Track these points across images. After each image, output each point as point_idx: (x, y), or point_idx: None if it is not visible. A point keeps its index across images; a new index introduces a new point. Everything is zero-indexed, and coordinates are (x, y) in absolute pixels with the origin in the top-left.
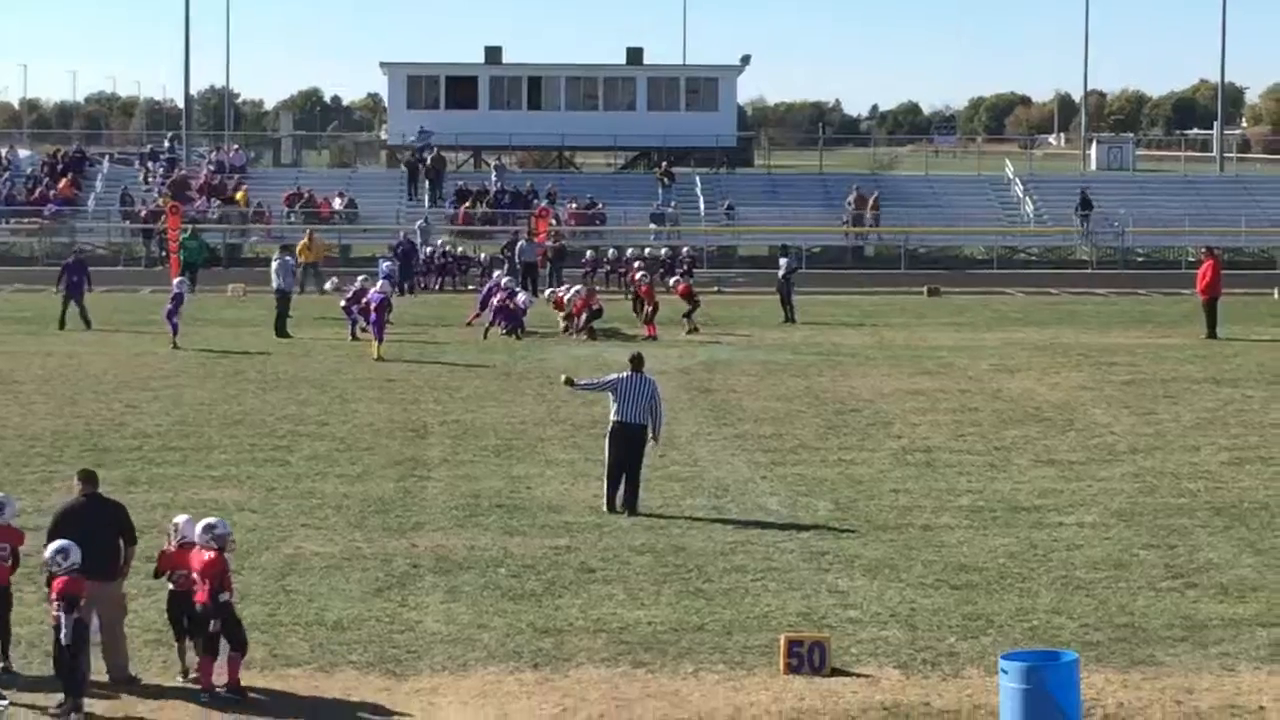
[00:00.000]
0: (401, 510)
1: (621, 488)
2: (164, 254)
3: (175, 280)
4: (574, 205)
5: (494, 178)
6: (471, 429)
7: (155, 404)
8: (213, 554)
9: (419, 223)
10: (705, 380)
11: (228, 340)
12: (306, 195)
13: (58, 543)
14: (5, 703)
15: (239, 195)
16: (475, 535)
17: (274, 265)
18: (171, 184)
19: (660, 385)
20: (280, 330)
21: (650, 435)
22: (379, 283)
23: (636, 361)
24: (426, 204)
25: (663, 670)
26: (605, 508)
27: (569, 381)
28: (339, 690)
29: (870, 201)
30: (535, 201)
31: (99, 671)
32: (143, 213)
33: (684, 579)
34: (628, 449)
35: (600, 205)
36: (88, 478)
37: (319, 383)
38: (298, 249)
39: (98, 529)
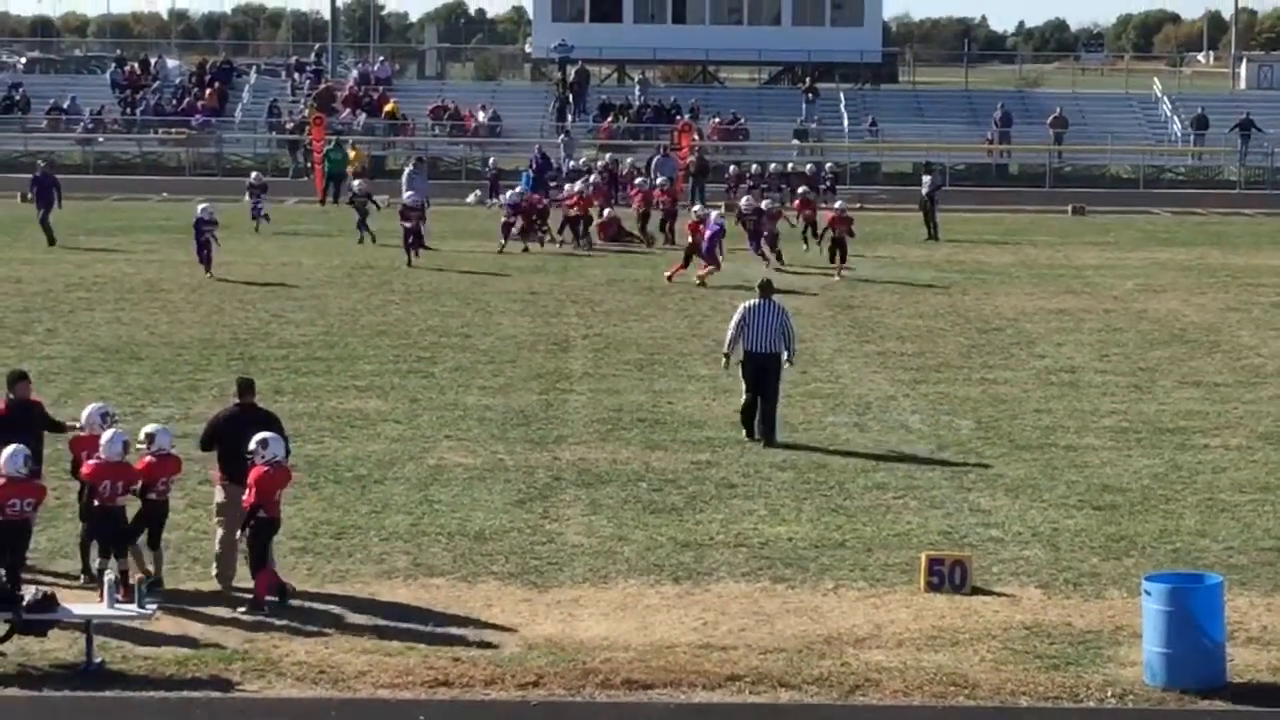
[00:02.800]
0: (543, 423)
1: (758, 418)
2: (309, 165)
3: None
4: (717, 121)
5: (637, 92)
6: (614, 343)
7: (300, 314)
8: (264, 468)
9: (561, 137)
10: (847, 297)
11: (371, 251)
12: (451, 108)
13: (261, 434)
14: (153, 608)
15: (388, 107)
16: (617, 449)
17: (404, 176)
18: (317, 95)
19: (790, 311)
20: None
21: (786, 361)
22: (711, 214)
23: (765, 288)
24: (569, 118)
25: (803, 586)
26: (745, 437)
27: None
28: (481, 600)
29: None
30: (678, 117)
31: (244, 578)
32: (288, 124)
33: (825, 495)
34: (762, 379)
35: (743, 121)
36: (246, 387)
37: (462, 295)
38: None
39: (251, 437)
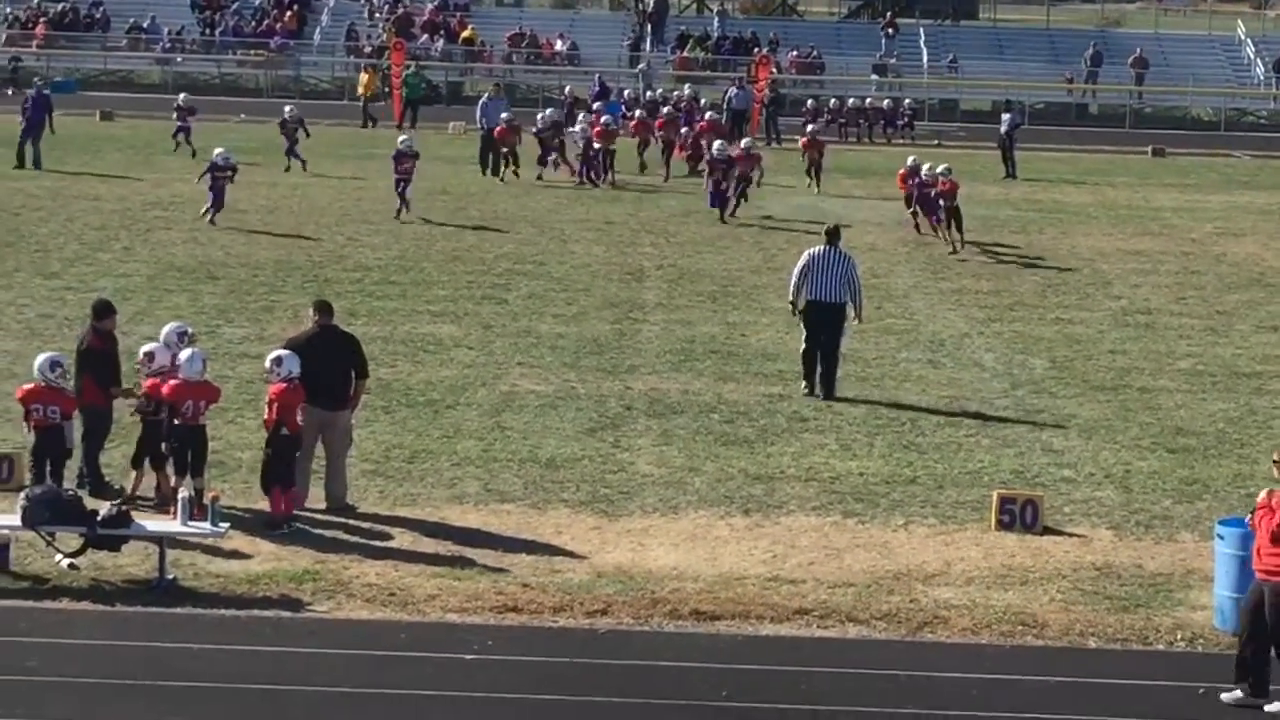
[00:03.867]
0: (616, 352)
1: (818, 370)
2: (387, 90)
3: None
4: (795, 54)
5: (716, 24)
6: (688, 274)
7: (376, 238)
8: (282, 385)
9: (641, 66)
10: (923, 234)
11: (446, 177)
12: (529, 35)
13: (275, 352)
14: (226, 526)
15: (466, 33)
16: (689, 380)
17: (480, 103)
18: (396, 20)
19: (858, 260)
20: (484, 167)
21: (852, 314)
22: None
23: (832, 235)
24: (648, 48)
25: (873, 521)
26: (804, 391)
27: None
28: (551, 527)
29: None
30: (756, 50)
31: (316, 499)
32: (367, 48)
33: (897, 431)
34: (823, 329)
35: (821, 55)
36: (323, 308)
37: (537, 222)
38: (361, 84)
39: (329, 359)
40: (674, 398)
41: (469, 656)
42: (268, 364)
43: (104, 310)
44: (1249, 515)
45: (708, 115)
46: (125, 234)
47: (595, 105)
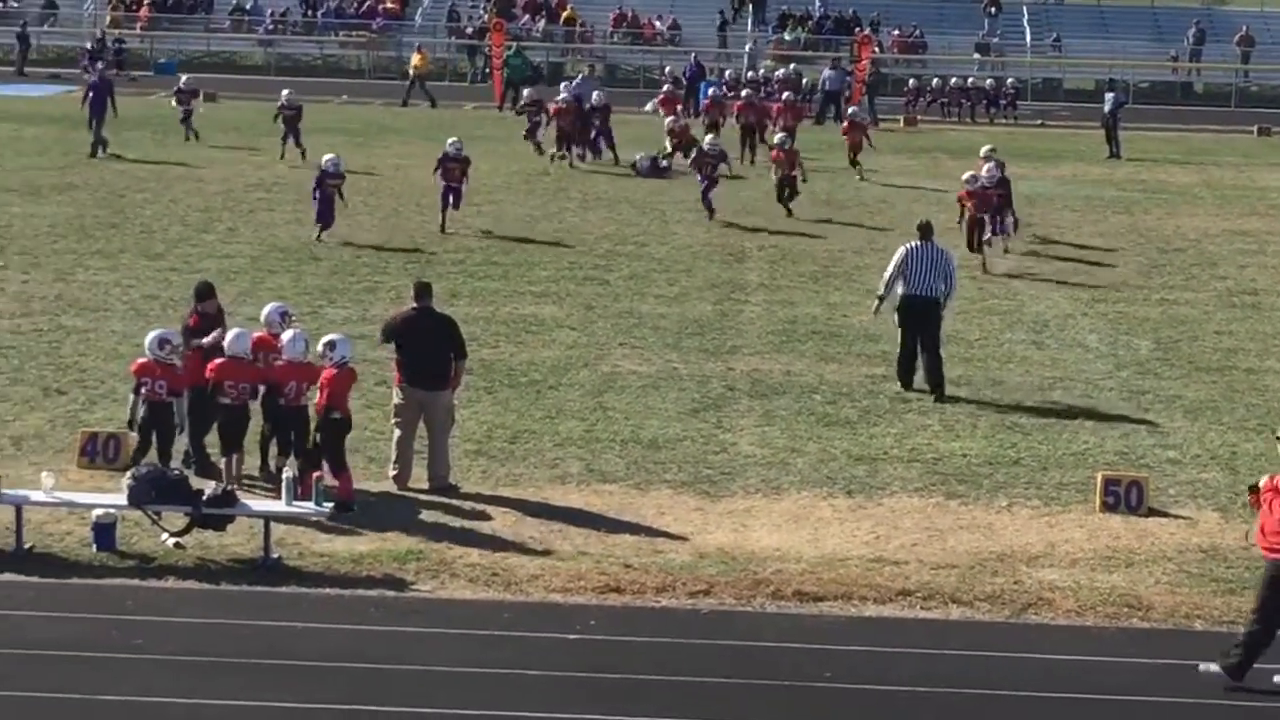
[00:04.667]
0: (718, 333)
1: (918, 369)
2: (488, 70)
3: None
4: (897, 33)
5: (817, 3)
6: (789, 254)
7: (478, 219)
8: (333, 369)
9: (747, 46)
10: (1026, 214)
11: (547, 159)
12: (630, 15)
13: (329, 336)
14: (329, 505)
15: (567, 14)
16: (791, 360)
17: (574, 82)
18: (498, 1)
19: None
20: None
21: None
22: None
23: (926, 230)
24: (749, 27)
25: (976, 502)
26: (899, 387)
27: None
28: (653, 507)
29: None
30: (857, 29)
31: (419, 479)
32: (468, 29)
33: (1000, 412)
34: (921, 325)
35: (923, 34)
36: (423, 289)
37: (639, 203)
38: (413, 62)
39: (429, 340)
40: (776, 378)
41: (572, 636)
42: (320, 347)
43: (205, 292)
44: (1250, 494)
45: (784, 96)
46: (228, 215)
47: (665, 88)
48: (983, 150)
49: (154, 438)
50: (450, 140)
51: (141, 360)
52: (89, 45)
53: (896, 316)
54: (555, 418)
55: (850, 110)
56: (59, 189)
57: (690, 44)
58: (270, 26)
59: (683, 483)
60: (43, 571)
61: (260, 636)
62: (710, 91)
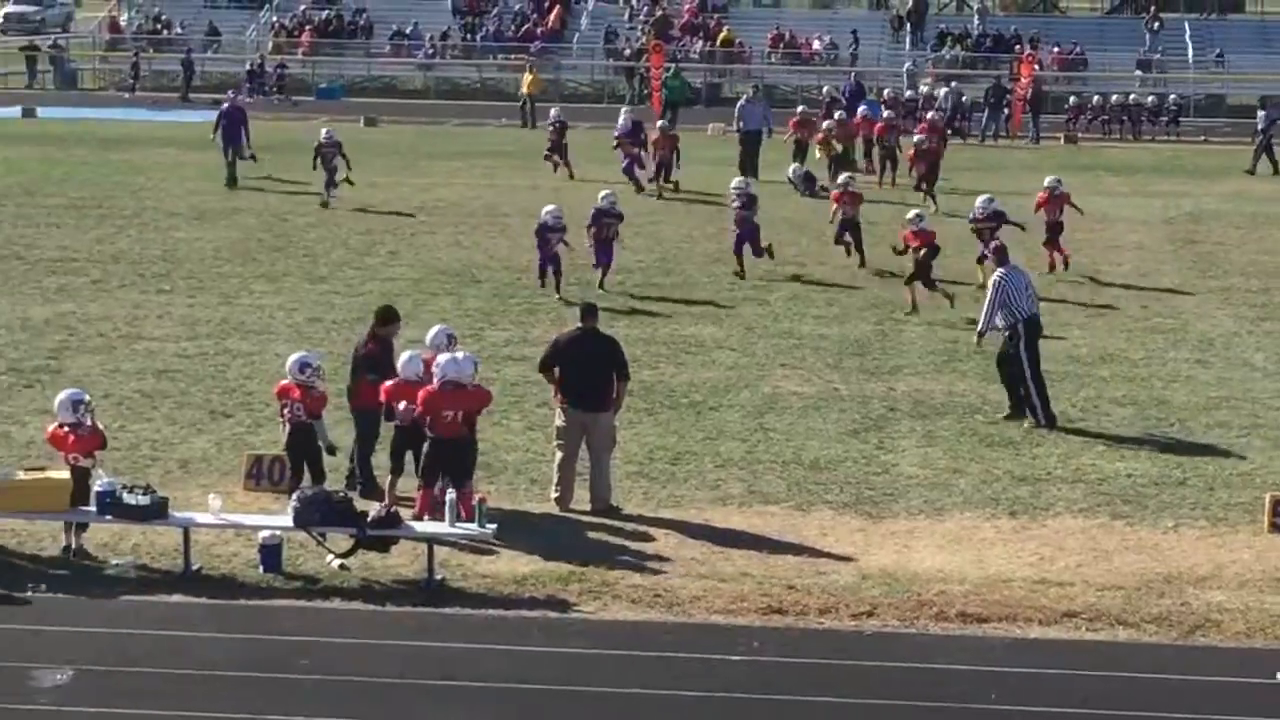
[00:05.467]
0: (879, 353)
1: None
2: (646, 92)
3: None
4: (1057, 51)
5: (976, 21)
6: (950, 274)
7: (637, 239)
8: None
9: (906, 65)
10: (1190, 231)
11: (706, 179)
12: (788, 35)
13: (405, 354)
14: (493, 528)
15: (724, 35)
16: (953, 381)
17: (739, 105)
18: (655, 22)
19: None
20: (744, 168)
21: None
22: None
23: (1003, 252)
24: (907, 46)
25: (1142, 523)
26: (1038, 423)
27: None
28: (815, 528)
29: None
30: (1017, 47)
31: (581, 501)
32: (626, 51)
33: (1165, 432)
34: (1038, 343)
35: (1084, 51)
36: (589, 311)
37: (798, 224)
38: (525, 84)
39: (592, 362)
40: (938, 399)
41: (735, 658)
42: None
43: (388, 317)
44: None
45: (928, 116)
46: (390, 238)
47: (799, 109)
48: (1047, 180)
49: (303, 460)
50: (603, 194)
51: (282, 383)
52: (248, 69)
53: (1022, 343)
54: (716, 439)
55: (916, 138)
56: (224, 214)
57: (848, 64)
58: (430, 51)
59: (845, 504)
60: (210, 592)
61: (424, 658)
62: (861, 110)
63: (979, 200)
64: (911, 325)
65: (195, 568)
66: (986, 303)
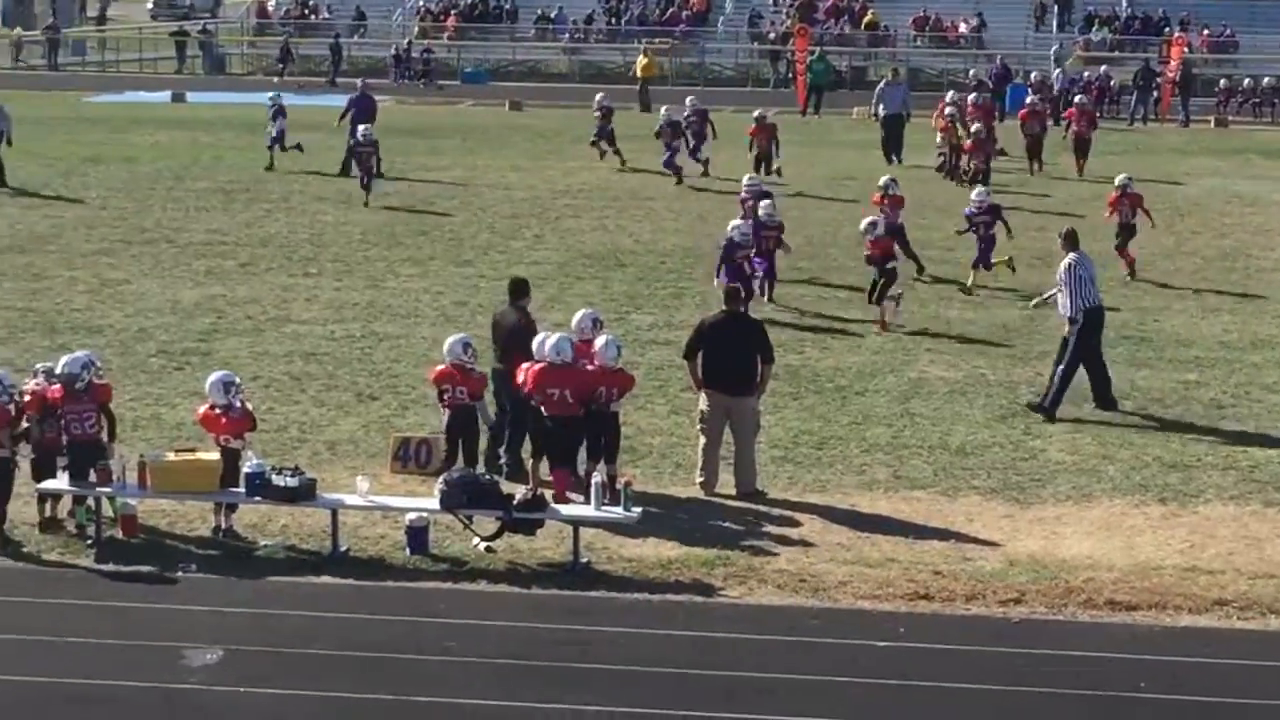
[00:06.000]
0: (1026, 338)
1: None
2: (790, 76)
3: None
4: (1206, 32)
5: (1124, 3)
6: (1098, 258)
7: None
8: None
9: (1054, 48)
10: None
11: (851, 162)
12: (933, 18)
13: (554, 337)
14: (639, 511)
15: (868, 18)
16: None
17: (878, 89)
18: (800, 6)
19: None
20: (886, 153)
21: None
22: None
23: (1073, 238)
24: (1054, 29)
25: None
26: (1046, 405)
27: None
28: (962, 514)
29: None
30: (1165, 29)
31: (726, 485)
32: (771, 35)
33: None
34: (1097, 334)
35: (1234, 33)
36: (733, 295)
37: (944, 208)
38: (639, 67)
39: (736, 345)
40: (1085, 385)
41: (881, 644)
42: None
43: (526, 287)
44: None
45: (1076, 100)
46: (535, 222)
47: (971, 95)
48: (1118, 178)
49: (460, 442)
50: (735, 224)
51: (439, 368)
52: (394, 54)
53: (1074, 337)
54: (862, 424)
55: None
56: (370, 197)
57: (995, 45)
58: (575, 34)
59: (991, 489)
60: (358, 574)
61: (570, 640)
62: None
63: (975, 193)
64: (1057, 311)
65: (343, 549)
66: (1065, 286)
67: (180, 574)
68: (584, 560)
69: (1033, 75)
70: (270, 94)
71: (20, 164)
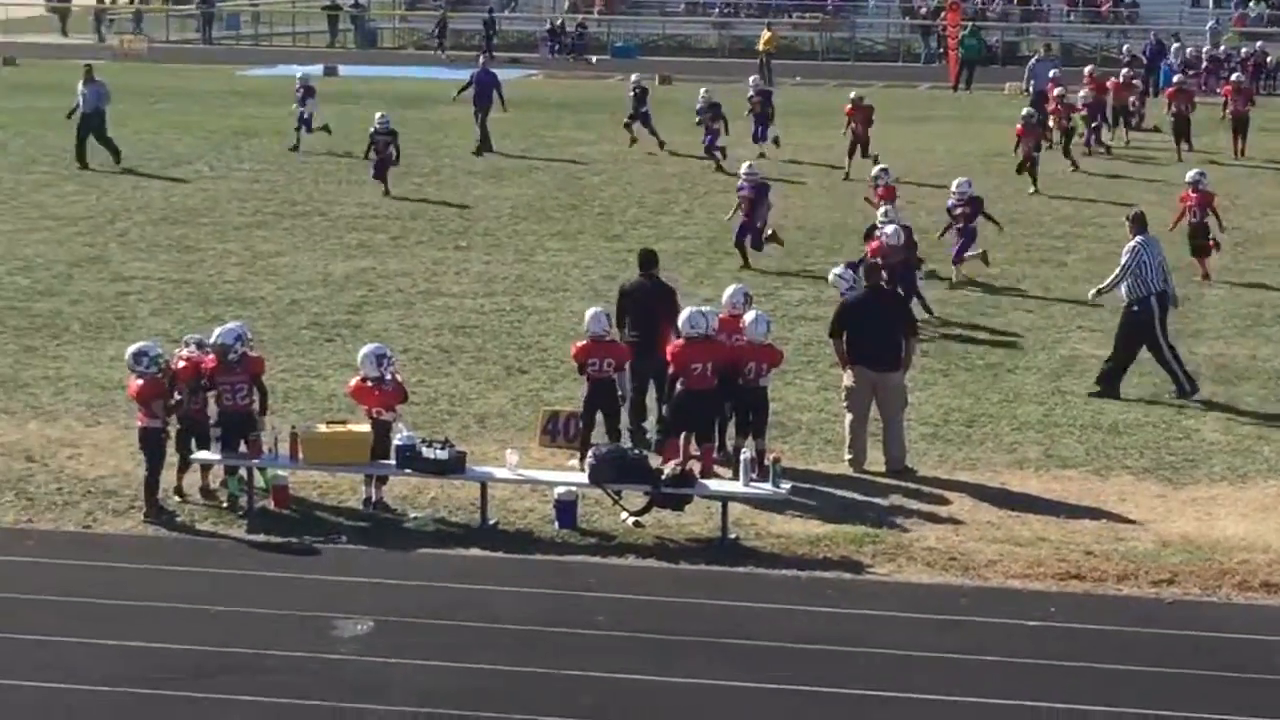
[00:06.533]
0: (1180, 316)
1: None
2: (942, 51)
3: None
4: None
5: None
6: (1253, 236)
7: (931, 200)
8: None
9: (1209, 24)
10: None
11: (1002, 139)
12: None
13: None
14: (788, 487)
15: None
16: (1257, 346)
17: (1030, 64)
18: None
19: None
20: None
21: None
22: None
23: (1141, 221)
24: (1210, 4)
25: None
26: (1188, 390)
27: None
28: (1114, 494)
29: None
30: None
31: (875, 462)
32: (923, 9)
33: None
34: (1159, 323)
35: None
36: (872, 270)
37: (1099, 185)
38: (762, 41)
39: (880, 321)
40: (1241, 364)
41: (1032, 623)
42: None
43: (653, 259)
44: None
45: (1233, 77)
46: (684, 197)
47: (1124, 71)
48: (1189, 174)
49: (602, 416)
50: (958, 182)
51: (581, 344)
52: (548, 28)
53: (1156, 320)
54: (1013, 401)
55: (1175, 78)
56: (520, 171)
57: (1149, 20)
58: (724, 9)
59: (1144, 469)
60: (506, 547)
61: (719, 616)
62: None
63: (956, 183)
64: (1213, 289)
65: (492, 522)
66: (1119, 268)
67: (331, 545)
68: (732, 536)
69: (1186, 50)
70: (299, 73)
71: (175, 137)
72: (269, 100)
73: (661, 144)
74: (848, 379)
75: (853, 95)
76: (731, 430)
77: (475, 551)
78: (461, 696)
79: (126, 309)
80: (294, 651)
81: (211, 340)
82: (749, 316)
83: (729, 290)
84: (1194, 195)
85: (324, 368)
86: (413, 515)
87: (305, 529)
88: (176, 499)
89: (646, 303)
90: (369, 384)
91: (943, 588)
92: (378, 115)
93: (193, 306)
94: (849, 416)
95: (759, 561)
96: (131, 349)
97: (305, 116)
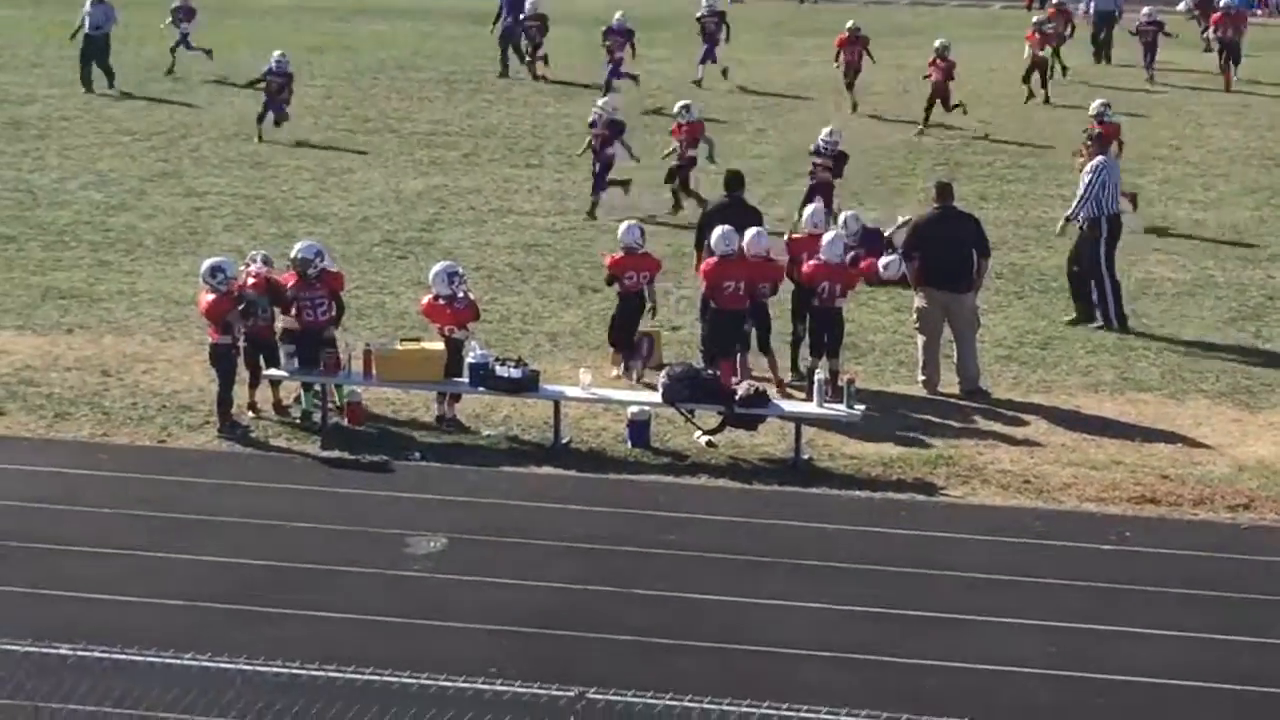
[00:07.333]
0: (1257, 239)
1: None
2: None
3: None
4: None
5: None
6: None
7: (1010, 123)
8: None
9: None
10: None
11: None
12: None
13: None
14: (862, 409)
15: None
16: None
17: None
18: None
19: None
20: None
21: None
22: None
23: (1101, 142)
24: None
25: None
26: (1114, 324)
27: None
28: (1189, 418)
29: None
30: None
31: (949, 384)
32: None
33: None
34: (1114, 245)
35: None
36: (943, 190)
37: (1173, 106)
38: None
39: (951, 241)
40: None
41: (1106, 547)
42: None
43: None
44: None
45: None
46: (758, 115)
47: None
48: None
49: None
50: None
51: (615, 255)
52: None
53: (1103, 243)
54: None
55: (1223, 2)
56: (592, 91)
57: None
58: None
59: (1220, 393)
60: (579, 466)
61: (792, 536)
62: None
63: (824, 132)
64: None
65: (565, 441)
66: (1083, 188)
67: (404, 462)
68: (806, 457)
69: None
70: None
71: (246, 54)
72: (339, 15)
73: (724, 71)
74: (919, 300)
75: (849, 25)
76: (805, 351)
77: (548, 469)
78: (532, 614)
79: (199, 224)
80: (367, 568)
81: (292, 254)
82: (827, 237)
83: (809, 209)
84: (1099, 127)
85: (396, 285)
86: (486, 433)
87: (379, 446)
88: (250, 415)
89: (734, 223)
90: (441, 302)
91: (1016, 510)
92: (275, 54)
93: (265, 222)
94: (921, 338)
95: (832, 483)
96: (207, 263)
97: (181, 37)
